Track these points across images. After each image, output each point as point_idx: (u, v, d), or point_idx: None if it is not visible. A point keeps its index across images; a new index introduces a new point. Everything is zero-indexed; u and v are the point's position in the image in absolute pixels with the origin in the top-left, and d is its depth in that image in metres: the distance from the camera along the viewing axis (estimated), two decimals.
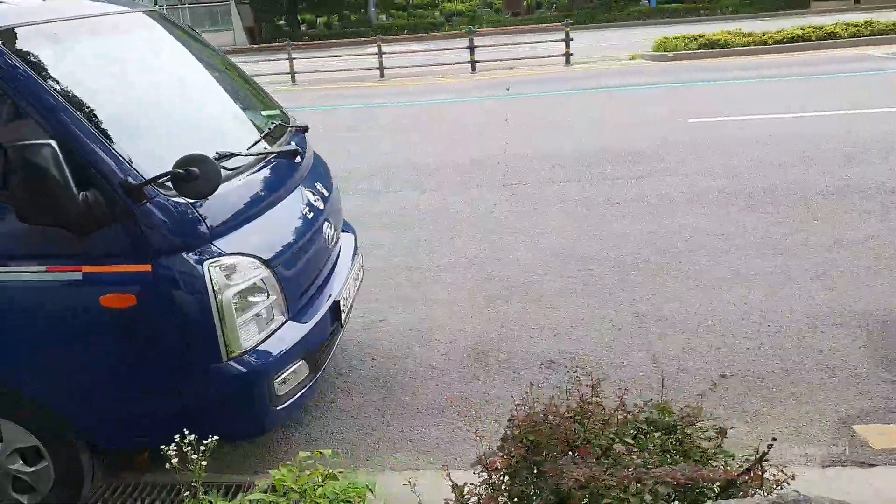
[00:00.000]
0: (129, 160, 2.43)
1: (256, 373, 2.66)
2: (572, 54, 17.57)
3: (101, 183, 2.36)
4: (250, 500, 1.61)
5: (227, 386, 2.63)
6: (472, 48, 17.73)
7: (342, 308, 3.24)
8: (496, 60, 17.99)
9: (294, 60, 17.74)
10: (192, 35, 3.76)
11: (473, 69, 17.83)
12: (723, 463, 1.69)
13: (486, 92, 14.44)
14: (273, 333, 2.78)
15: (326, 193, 3.46)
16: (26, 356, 2.59)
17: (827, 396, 3.42)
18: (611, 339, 4.09)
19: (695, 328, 4.12)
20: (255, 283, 2.68)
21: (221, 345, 2.57)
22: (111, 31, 3.13)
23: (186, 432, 2.25)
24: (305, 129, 3.73)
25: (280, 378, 2.79)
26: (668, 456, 1.61)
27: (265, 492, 1.64)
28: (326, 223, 3.31)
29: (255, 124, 3.38)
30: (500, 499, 1.54)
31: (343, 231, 3.92)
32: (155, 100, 2.99)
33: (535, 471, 1.52)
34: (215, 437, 2.25)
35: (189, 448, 2.21)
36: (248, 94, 3.70)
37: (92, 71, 2.80)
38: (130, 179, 2.38)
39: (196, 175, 2.36)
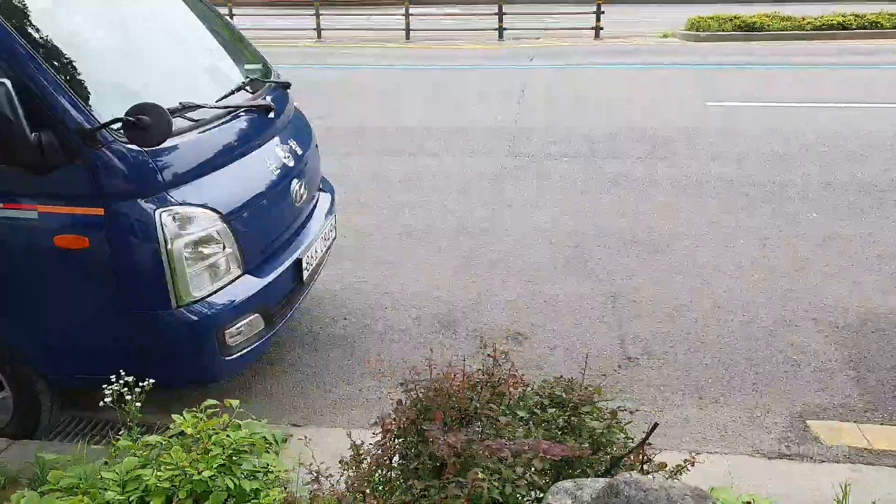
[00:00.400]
0: (86, 105, 2.45)
1: (206, 322, 2.71)
2: (602, 28, 17.21)
3: (56, 125, 2.39)
4: (153, 442, 1.66)
5: (177, 333, 2.68)
6: (500, 15, 17.43)
7: (304, 266, 3.27)
8: (524, 29, 17.69)
9: (321, 17, 17.60)
10: None
11: (500, 36, 17.56)
12: (622, 443, 1.70)
13: (510, 61, 14.23)
14: (227, 285, 2.83)
15: (300, 151, 3.47)
16: None
17: (788, 389, 3.41)
18: (582, 316, 4.09)
19: (668, 313, 4.10)
20: (209, 235, 2.71)
21: (171, 292, 2.62)
22: None
23: (123, 373, 2.30)
24: (287, 85, 3.72)
25: (232, 329, 2.84)
26: (556, 432, 1.62)
27: (172, 436, 1.69)
28: (296, 181, 3.33)
29: (231, 78, 3.38)
30: (389, 461, 1.58)
31: (321, 190, 3.93)
32: (125, 47, 3.00)
33: (421, 435, 1.54)
34: (151, 381, 2.30)
35: (125, 388, 2.26)
36: (231, 47, 3.69)
37: (61, 16, 2.80)
38: (85, 123, 2.41)
39: (147, 123, 2.38)
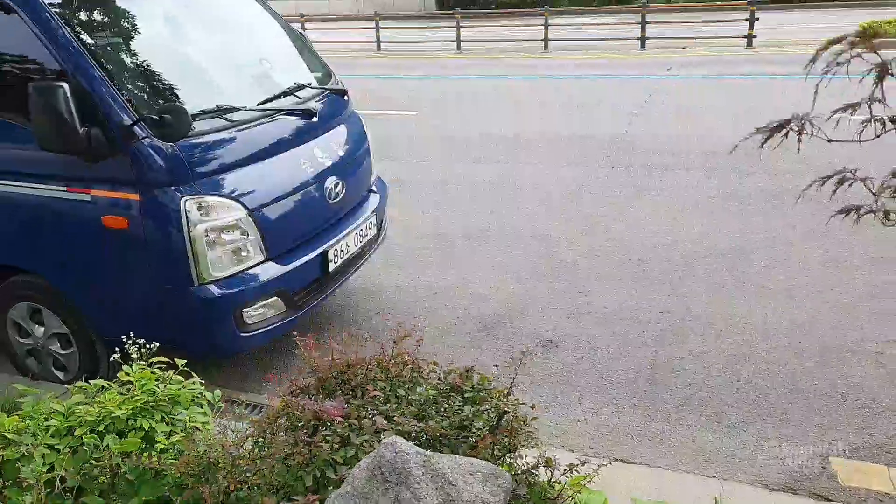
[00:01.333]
0: (129, 105, 2.87)
1: (224, 299, 3.05)
2: (755, 36, 16.21)
3: (103, 121, 2.83)
4: (99, 385, 1.98)
5: (196, 307, 3.05)
6: (643, 24, 16.99)
7: (330, 259, 3.54)
8: (667, 38, 17.09)
9: (462, 28, 18.15)
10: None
11: (643, 45, 17.10)
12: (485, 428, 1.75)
13: (649, 70, 13.86)
14: (248, 269, 3.15)
15: (342, 153, 3.74)
16: (57, 257, 3.19)
17: (823, 422, 3.16)
18: (621, 330, 4.02)
19: (716, 334, 3.92)
20: (231, 223, 3.05)
21: (193, 271, 2.98)
22: None
23: (155, 340, 2.60)
24: (342, 92, 4.03)
25: (250, 308, 3.16)
26: (430, 411, 1.71)
27: (120, 384, 1.99)
28: (332, 180, 3.60)
29: (283, 82, 3.71)
30: (280, 418, 1.76)
31: (371, 191, 4.20)
32: (178, 53, 3.43)
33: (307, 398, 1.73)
34: (156, 344, 2.65)
35: (134, 348, 2.62)
36: (291, 54, 4.05)
37: (124, 25, 3.28)
38: (125, 120, 2.84)
39: (168, 122, 2.77)
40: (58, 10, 2.92)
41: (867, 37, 0.99)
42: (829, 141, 1.03)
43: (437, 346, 3.96)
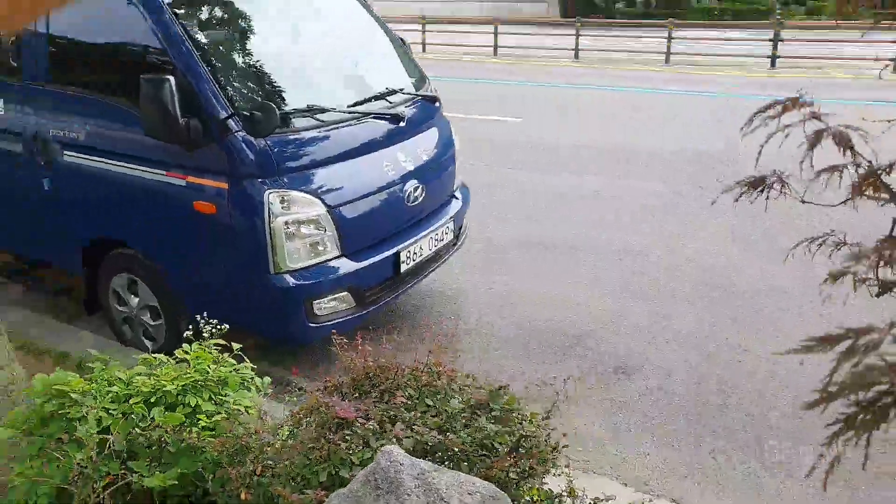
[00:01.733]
0: (226, 100, 3.07)
1: (297, 289, 3.20)
2: None
3: (202, 113, 3.05)
4: (159, 361, 2.13)
5: (271, 294, 3.21)
6: (775, 41, 16.07)
7: (403, 260, 3.62)
8: (801, 57, 16.08)
9: (582, 37, 17.91)
10: (362, 2, 4.33)
11: (773, 64, 16.18)
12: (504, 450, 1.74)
13: (777, 90, 13.12)
14: (323, 263, 3.29)
15: (426, 158, 3.82)
16: (153, 235, 3.46)
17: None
18: (700, 361, 3.86)
19: (808, 379, 3.68)
20: (310, 218, 3.19)
21: (270, 260, 3.15)
22: None
23: (236, 322, 2.80)
24: (434, 98, 4.11)
25: (321, 300, 3.30)
26: (456, 425, 1.72)
27: (177, 360, 2.14)
28: (413, 183, 3.68)
29: (375, 86, 3.83)
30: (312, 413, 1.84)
31: (454, 197, 4.25)
32: (279, 54, 3.61)
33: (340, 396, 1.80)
34: (226, 326, 2.82)
35: (207, 326, 2.80)
36: (389, 59, 4.17)
37: (229, 23, 3.50)
38: (220, 114, 3.03)
39: (258, 118, 2.94)
40: (172, 7, 3.16)
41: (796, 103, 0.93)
42: (803, 202, 0.97)
43: (503, 356, 3.96)
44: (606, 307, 4.50)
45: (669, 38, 16.82)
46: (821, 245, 0.94)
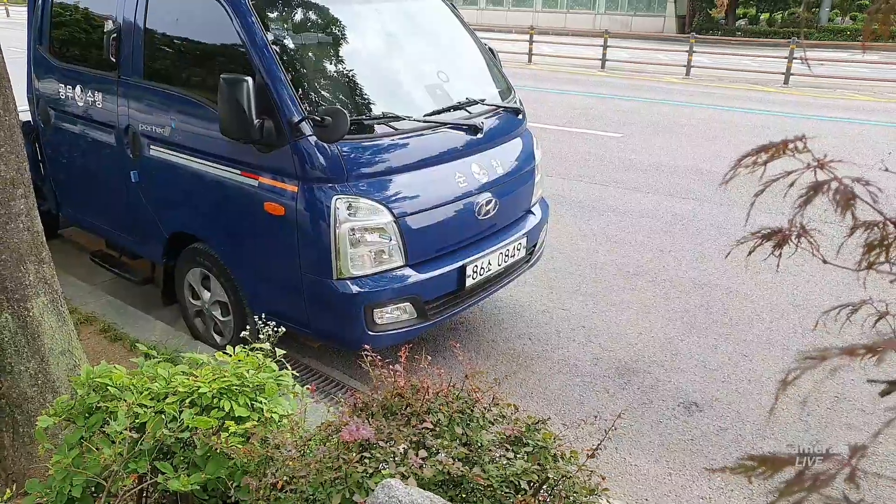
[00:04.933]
0: (301, 104, 3.08)
1: (358, 296, 3.16)
2: None
3: (275, 115, 3.07)
4: (202, 361, 2.13)
5: (333, 299, 3.19)
6: None
7: (468, 274, 3.51)
8: None
9: (695, 54, 17.18)
10: (452, 10, 4.28)
11: None
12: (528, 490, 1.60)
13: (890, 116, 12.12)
14: (386, 272, 3.24)
15: (500, 171, 3.70)
16: (224, 232, 3.53)
17: None
18: (780, 405, 3.53)
19: None
20: (376, 225, 3.15)
21: (334, 265, 3.13)
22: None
23: (277, 319, 2.85)
24: (517, 111, 3.99)
25: (383, 309, 3.25)
26: (484, 458, 1.60)
27: (217, 362, 2.13)
28: (486, 196, 3.57)
29: (456, 96, 3.74)
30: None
31: (530, 212, 4.10)
32: (360, 60, 3.59)
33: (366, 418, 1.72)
34: (282, 329, 2.82)
35: (265, 328, 2.81)
36: (475, 68, 4.08)
37: (312, 28, 3.52)
38: (294, 117, 3.05)
39: (327, 123, 2.92)
40: (257, 9, 3.22)
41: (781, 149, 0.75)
42: (824, 261, 0.79)
43: (561, 379, 3.78)
44: (678, 340, 4.22)
45: (791, 58, 15.85)
46: (853, 312, 0.77)
